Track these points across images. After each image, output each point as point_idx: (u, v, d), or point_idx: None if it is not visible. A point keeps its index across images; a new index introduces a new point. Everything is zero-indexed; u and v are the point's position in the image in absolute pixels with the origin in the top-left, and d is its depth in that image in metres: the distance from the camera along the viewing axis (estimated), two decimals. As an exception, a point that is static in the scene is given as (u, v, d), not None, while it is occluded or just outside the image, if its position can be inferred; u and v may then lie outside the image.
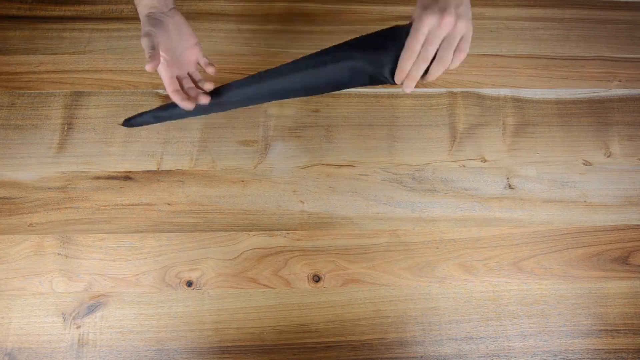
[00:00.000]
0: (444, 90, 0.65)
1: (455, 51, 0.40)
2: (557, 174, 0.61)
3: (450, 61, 0.40)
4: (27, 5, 0.65)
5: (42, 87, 0.61)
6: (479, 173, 0.60)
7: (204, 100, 0.49)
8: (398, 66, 0.41)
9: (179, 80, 0.49)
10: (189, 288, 0.53)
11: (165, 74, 0.47)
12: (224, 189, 0.57)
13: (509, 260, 0.56)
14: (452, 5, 0.38)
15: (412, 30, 0.39)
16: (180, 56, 0.49)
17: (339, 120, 0.62)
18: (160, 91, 0.62)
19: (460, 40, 0.39)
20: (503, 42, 0.68)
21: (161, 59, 0.46)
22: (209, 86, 0.51)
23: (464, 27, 0.39)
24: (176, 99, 0.47)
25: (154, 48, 0.43)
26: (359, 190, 0.58)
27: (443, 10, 0.37)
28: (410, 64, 0.40)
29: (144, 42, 0.43)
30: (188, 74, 0.51)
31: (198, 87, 0.51)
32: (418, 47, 0.39)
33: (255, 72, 0.59)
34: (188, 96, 0.48)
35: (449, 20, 0.38)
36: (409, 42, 0.39)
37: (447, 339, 0.53)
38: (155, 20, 0.45)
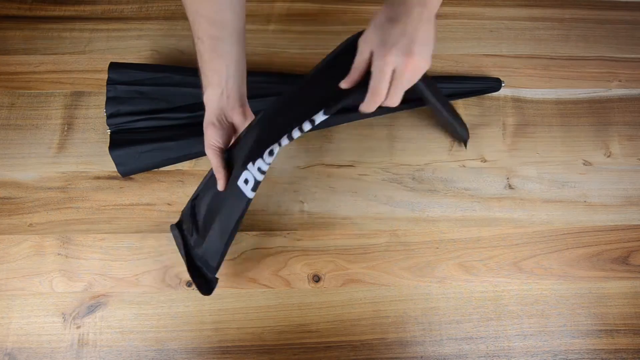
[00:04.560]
0: (444, 90, 0.65)
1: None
2: (557, 174, 0.61)
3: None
4: (27, 5, 0.65)
5: (42, 87, 0.61)
6: (479, 173, 0.60)
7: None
8: (364, 105, 0.40)
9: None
10: (189, 288, 0.53)
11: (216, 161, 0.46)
12: (224, 189, 0.57)
13: (509, 260, 0.56)
14: (418, 43, 0.36)
15: (377, 72, 0.37)
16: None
17: (339, 120, 0.62)
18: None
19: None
20: (503, 42, 0.68)
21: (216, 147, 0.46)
22: None
23: (426, 68, 0.38)
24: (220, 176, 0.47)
25: (222, 166, 0.46)
26: (359, 190, 0.58)
27: (410, 52, 0.35)
28: (376, 105, 0.40)
29: (212, 158, 0.45)
30: None
31: None
32: (384, 89, 0.38)
33: (255, 72, 0.59)
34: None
35: (417, 64, 0.36)
36: (376, 85, 0.38)
37: (447, 339, 0.53)
38: (220, 126, 0.45)
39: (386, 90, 0.38)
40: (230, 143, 0.48)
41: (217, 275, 0.49)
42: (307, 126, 0.42)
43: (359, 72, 0.39)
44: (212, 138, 0.45)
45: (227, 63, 0.43)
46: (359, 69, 0.39)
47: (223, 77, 0.43)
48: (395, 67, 0.37)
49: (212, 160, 0.46)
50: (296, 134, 0.43)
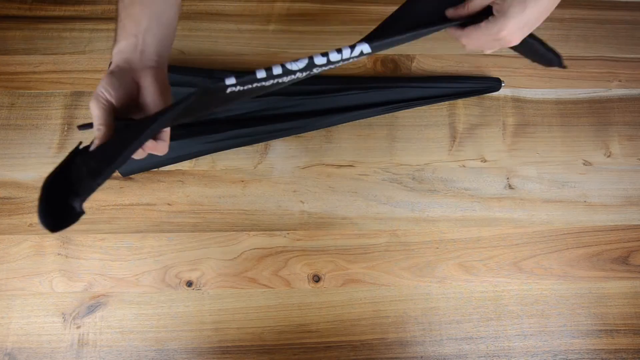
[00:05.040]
0: (444, 90, 0.65)
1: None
2: (557, 174, 0.61)
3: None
4: (27, 5, 0.65)
5: (42, 87, 0.61)
6: (479, 173, 0.60)
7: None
8: (463, 37, 0.41)
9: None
10: (189, 288, 0.53)
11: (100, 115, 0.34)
12: (224, 189, 0.57)
13: (509, 260, 0.56)
14: (535, 26, 0.37)
15: (486, 33, 0.37)
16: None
17: (339, 120, 0.62)
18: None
19: None
20: (503, 42, 0.68)
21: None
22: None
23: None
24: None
25: (104, 124, 0.34)
26: (359, 190, 0.58)
27: (522, 35, 0.37)
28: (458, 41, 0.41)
29: (93, 110, 0.34)
30: None
31: None
32: (477, 46, 0.40)
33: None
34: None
35: (520, 40, 0.38)
36: (473, 40, 0.39)
37: (447, 339, 0.53)
38: (120, 79, 0.35)
39: (479, 45, 0.39)
40: (124, 107, 0.36)
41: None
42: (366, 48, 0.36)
43: (468, 12, 0.38)
44: (103, 87, 0.34)
45: (149, 12, 0.36)
46: (471, 11, 0.38)
47: (141, 28, 0.36)
48: (504, 38, 0.37)
49: (93, 114, 0.34)
50: (360, 49, 0.36)
